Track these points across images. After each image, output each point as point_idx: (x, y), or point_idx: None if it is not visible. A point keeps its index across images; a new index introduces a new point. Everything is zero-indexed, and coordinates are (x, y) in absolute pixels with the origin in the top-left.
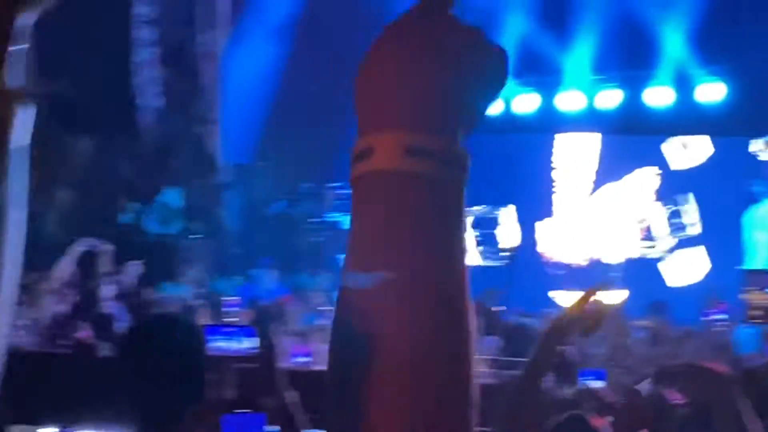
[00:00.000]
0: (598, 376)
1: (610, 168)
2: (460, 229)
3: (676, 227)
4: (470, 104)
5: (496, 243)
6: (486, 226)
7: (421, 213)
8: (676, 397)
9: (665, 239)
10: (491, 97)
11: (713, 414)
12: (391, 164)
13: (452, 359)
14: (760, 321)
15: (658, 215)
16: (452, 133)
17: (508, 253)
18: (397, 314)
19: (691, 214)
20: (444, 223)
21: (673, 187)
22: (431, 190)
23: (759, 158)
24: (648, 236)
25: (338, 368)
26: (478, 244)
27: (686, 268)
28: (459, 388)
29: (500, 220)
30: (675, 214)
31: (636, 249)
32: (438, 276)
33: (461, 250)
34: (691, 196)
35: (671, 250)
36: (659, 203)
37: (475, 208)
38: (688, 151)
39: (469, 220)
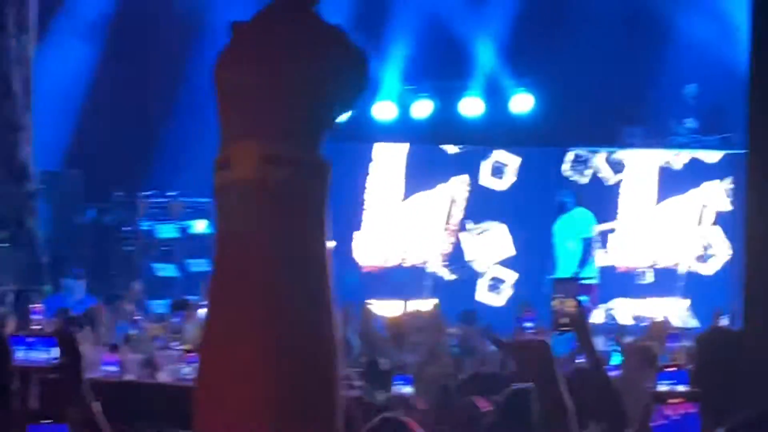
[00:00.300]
0: (407, 381)
1: (424, 177)
2: (322, 236)
3: (488, 246)
4: (329, 109)
5: None
6: None
7: (280, 222)
8: (485, 405)
9: (477, 257)
10: (351, 101)
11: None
12: (247, 174)
13: (318, 363)
14: (566, 329)
15: (469, 231)
16: (311, 140)
17: None
18: (260, 319)
19: (503, 231)
20: (305, 230)
21: (485, 200)
22: (290, 198)
23: (567, 176)
24: (459, 253)
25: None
26: None
27: (496, 285)
28: (327, 392)
29: None
30: (486, 231)
31: (447, 263)
32: (299, 285)
33: (323, 258)
34: (502, 213)
35: (482, 267)
36: (470, 221)
37: None
38: (503, 168)
39: None
